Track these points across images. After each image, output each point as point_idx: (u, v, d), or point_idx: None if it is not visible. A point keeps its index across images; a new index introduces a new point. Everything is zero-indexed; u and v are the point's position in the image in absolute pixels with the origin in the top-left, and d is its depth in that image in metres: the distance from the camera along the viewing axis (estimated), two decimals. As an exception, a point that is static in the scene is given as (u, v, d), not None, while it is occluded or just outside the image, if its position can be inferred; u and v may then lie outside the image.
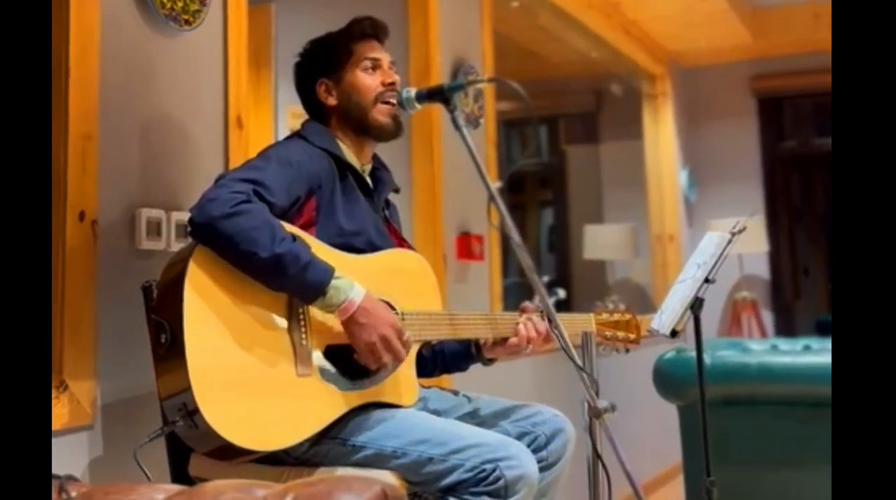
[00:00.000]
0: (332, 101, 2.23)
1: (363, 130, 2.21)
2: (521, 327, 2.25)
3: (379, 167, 2.32)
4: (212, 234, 1.83)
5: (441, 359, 2.35)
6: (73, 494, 1.31)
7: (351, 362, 1.98)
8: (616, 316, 2.49)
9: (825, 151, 6.87)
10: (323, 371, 1.95)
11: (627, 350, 2.49)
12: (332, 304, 1.90)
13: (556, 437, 2.16)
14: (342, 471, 1.94)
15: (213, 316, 1.83)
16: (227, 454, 1.85)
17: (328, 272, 1.89)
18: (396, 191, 2.38)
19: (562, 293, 2.25)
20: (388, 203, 2.37)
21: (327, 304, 1.90)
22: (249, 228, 1.82)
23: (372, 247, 2.12)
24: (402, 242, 2.31)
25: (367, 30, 2.25)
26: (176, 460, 2.05)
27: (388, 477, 1.90)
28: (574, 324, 2.38)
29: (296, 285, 1.88)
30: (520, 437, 2.10)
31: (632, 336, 2.47)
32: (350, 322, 1.92)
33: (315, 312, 1.95)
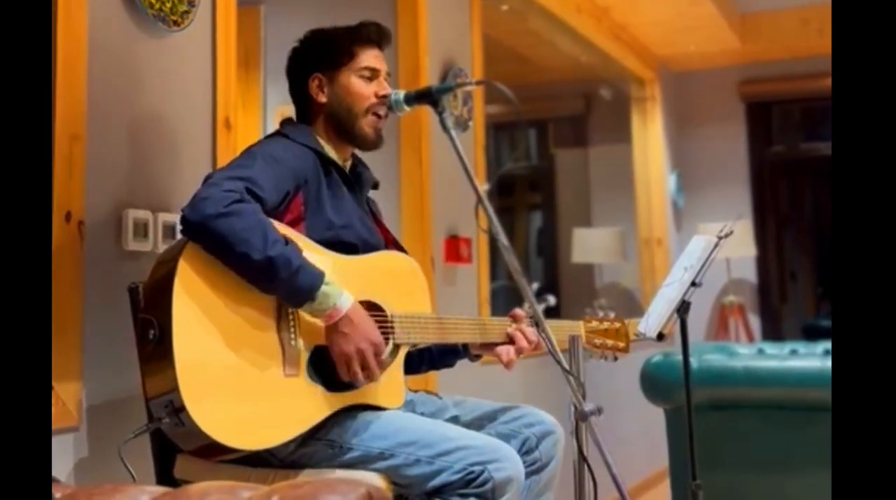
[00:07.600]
0: (322, 98, 2.22)
1: (346, 135, 2.22)
2: (507, 349, 2.25)
3: (357, 164, 2.32)
4: (205, 233, 1.83)
5: (428, 356, 2.35)
6: (58, 496, 1.31)
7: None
8: (605, 325, 2.48)
9: (813, 156, 6.89)
10: (310, 372, 1.95)
11: (616, 358, 2.49)
12: (319, 309, 1.91)
13: (545, 437, 2.17)
14: (328, 473, 1.93)
15: (201, 314, 1.83)
16: (212, 451, 1.85)
17: (318, 278, 1.89)
18: (376, 187, 2.38)
19: (552, 300, 2.24)
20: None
21: (315, 309, 1.91)
22: (242, 228, 1.82)
23: (361, 240, 2.13)
24: (388, 236, 2.31)
25: (372, 35, 2.24)
26: (161, 461, 2.04)
27: (374, 479, 1.90)
28: (563, 331, 2.37)
29: (285, 289, 1.88)
30: (508, 439, 2.10)
31: (621, 344, 2.45)
32: (332, 329, 1.93)
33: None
